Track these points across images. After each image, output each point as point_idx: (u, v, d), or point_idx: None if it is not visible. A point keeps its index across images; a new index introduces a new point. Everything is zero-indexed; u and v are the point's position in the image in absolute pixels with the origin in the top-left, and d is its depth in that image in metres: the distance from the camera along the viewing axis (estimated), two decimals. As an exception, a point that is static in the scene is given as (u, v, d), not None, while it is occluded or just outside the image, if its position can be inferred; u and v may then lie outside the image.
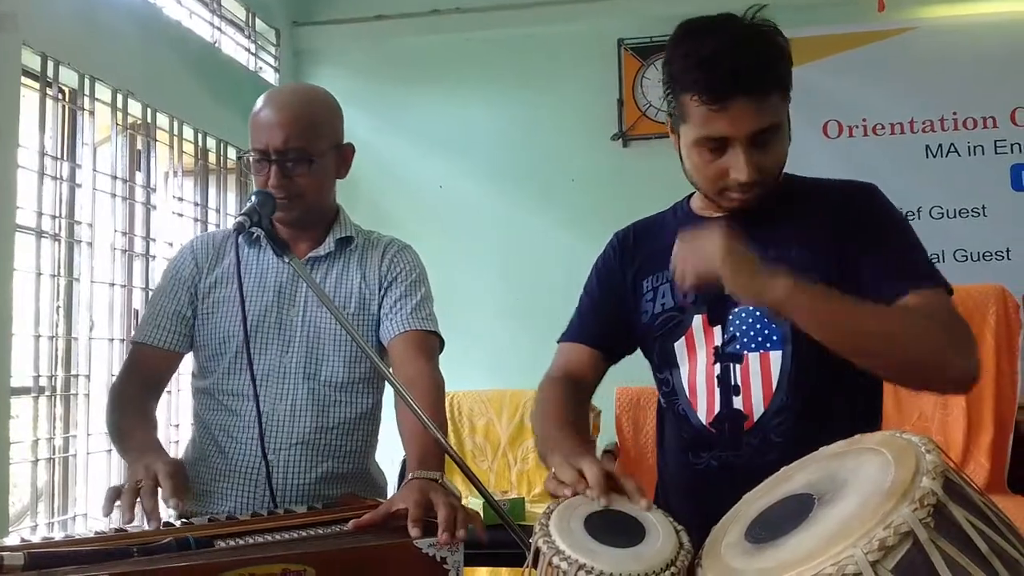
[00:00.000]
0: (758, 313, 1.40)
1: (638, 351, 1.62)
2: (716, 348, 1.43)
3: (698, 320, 1.45)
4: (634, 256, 1.59)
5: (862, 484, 0.95)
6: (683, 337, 1.46)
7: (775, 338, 1.39)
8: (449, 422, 3.90)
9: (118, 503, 1.46)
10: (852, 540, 0.86)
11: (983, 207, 3.88)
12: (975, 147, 3.95)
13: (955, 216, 3.89)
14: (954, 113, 3.98)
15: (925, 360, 1.26)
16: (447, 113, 4.44)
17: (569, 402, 1.49)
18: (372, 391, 1.85)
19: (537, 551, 1.06)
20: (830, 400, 1.38)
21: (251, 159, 1.79)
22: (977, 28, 3.99)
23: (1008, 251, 3.83)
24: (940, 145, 3.97)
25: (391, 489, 1.96)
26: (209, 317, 1.83)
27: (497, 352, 4.25)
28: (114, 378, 1.87)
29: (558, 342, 1.66)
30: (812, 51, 3.84)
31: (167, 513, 1.50)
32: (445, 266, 4.35)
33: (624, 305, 1.57)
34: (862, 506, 0.91)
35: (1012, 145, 3.91)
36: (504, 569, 3.65)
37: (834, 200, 1.45)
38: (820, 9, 3.88)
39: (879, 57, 4.02)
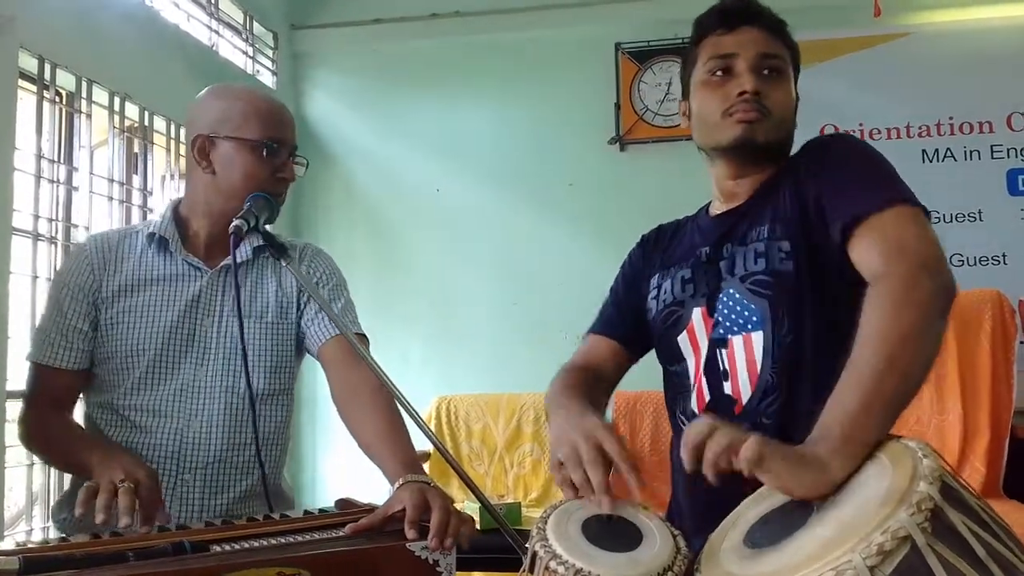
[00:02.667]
0: (737, 295, 1.39)
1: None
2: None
3: (697, 313, 1.45)
4: (652, 256, 1.61)
5: (860, 489, 0.95)
6: (685, 331, 1.46)
7: (755, 319, 1.37)
8: (445, 426, 3.91)
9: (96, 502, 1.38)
10: (850, 545, 0.86)
11: (979, 212, 3.88)
12: (971, 152, 3.95)
13: (951, 221, 3.89)
14: (950, 118, 3.98)
15: (926, 342, 1.13)
16: (445, 117, 4.44)
17: (581, 384, 1.48)
18: (287, 402, 1.80)
19: (534, 555, 1.05)
20: (816, 378, 1.30)
21: (257, 149, 1.69)
22: (974, 33, 4.00)
23: (1004, 256, 3.84)
24: (936, 150, 3.98)
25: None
26: (113, 328, 1.70)
27: (494, 356, 4.25)
28: (21, 407, 1.74)
29: (584, 335, 1.65)
30: (808, 56, 3.79)
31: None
32: (442, 270, 4.40)
33: (642, 304, 1.58)
34: (860, 511, 0.90)
35: (1008, 150, 3.92)
36: (499, 574, 3.65)
37: (799, 161, 1.44)
38: (816, 14, 3.88)
39: (875, 62, 4.03)
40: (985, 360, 3.24)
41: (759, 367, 1.36)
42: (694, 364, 1.46)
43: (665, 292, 1.51)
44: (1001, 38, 3.97)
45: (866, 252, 1.25)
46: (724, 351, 1.40)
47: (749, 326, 1.38)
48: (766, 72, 1.43)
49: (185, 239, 1.77)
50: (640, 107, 4.26)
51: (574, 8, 4.32)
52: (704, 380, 1.41)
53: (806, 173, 1.39)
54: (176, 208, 1.81)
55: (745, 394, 1.37)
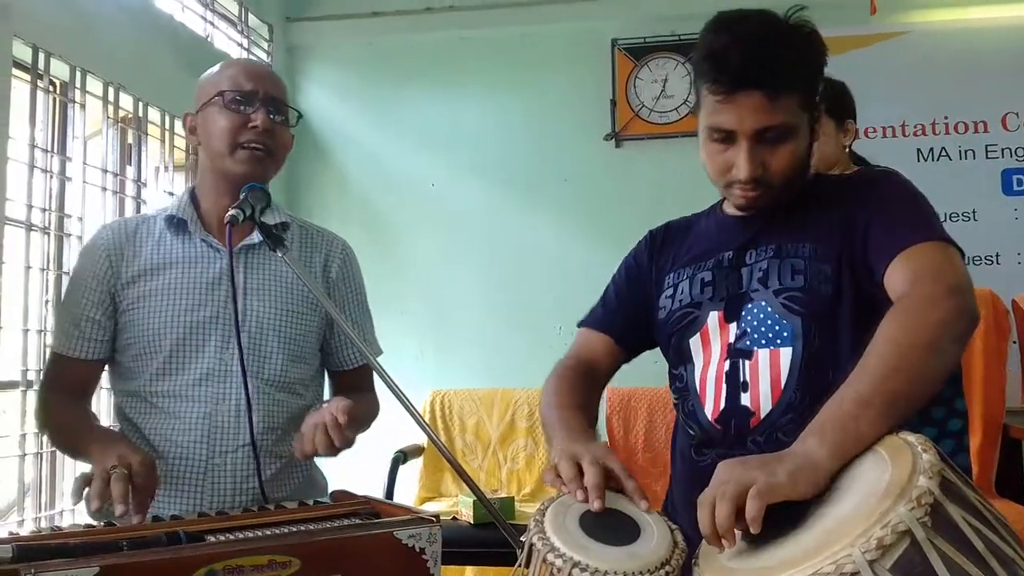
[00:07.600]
0: (769, 309, 1.39)
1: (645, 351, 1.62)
2: (730, 345, 1.41)
3: (714, 316, 1.44)
4: (662, 253, 1.59)
5: (859, 484, 0.95)
6: (698, 334, 1.45)
7: (785, 334, 1.37)
8: (439, 420, 3.91)
9: (87, 491, 1.38)
10: (850, 539, 0.86)
11: (973, 211, 3.89)
12: (966, 151, 3.95)
13: (945, 220, 3.88)
14: (945, 117, 3.98)
15: (937, 357, 1.13)
16: (440, 111, 4.43)
17: (578, 386, 1.48)
18: (314, 389, 1.79)
19: (531, 548, 1.05)
20: None
21: (223, 100, 1.67)
22: (969, 33, 4.00)
23: (997, 256, 3.84)
24: (932, 149, 3.98)
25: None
26: (134, 313, 1.68)
27: (488, 351, 4.24)
28: (36, 391, 1.75)
29: (578, 326, 1.64)
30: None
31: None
32: (436, 265, 4.39)
33: (647, 301, 1.57)
34: (860, 505, 0.90)
35: (1003, 150, 3.92)
36: (491, 568, 3.65)
37: (847, 191, 1.44)
38: (812, 12, 3.85)
39: (871, 60, 4.03)
40: (978, 359, 3.24)
41: (783, 383, 1.36)
42: (700, 368, 1.44)
43: (682, 292, 1.49)
44: (997, 38, 3.97)
45: (896, 276, 1.27)
46: (747, 362, 1.39)
47: (779, 341, 1.37)
48: (769, 137, 1.35)
49: (202, 220, 1.75)
50: (636, 103, 4.25)
51: (570, 4, 4.31)
52: (724, 388, 1.40)
53: (857, 204, 1.39)
54: (193, 191, 1.80)
55: (764, 408, 1.36)
